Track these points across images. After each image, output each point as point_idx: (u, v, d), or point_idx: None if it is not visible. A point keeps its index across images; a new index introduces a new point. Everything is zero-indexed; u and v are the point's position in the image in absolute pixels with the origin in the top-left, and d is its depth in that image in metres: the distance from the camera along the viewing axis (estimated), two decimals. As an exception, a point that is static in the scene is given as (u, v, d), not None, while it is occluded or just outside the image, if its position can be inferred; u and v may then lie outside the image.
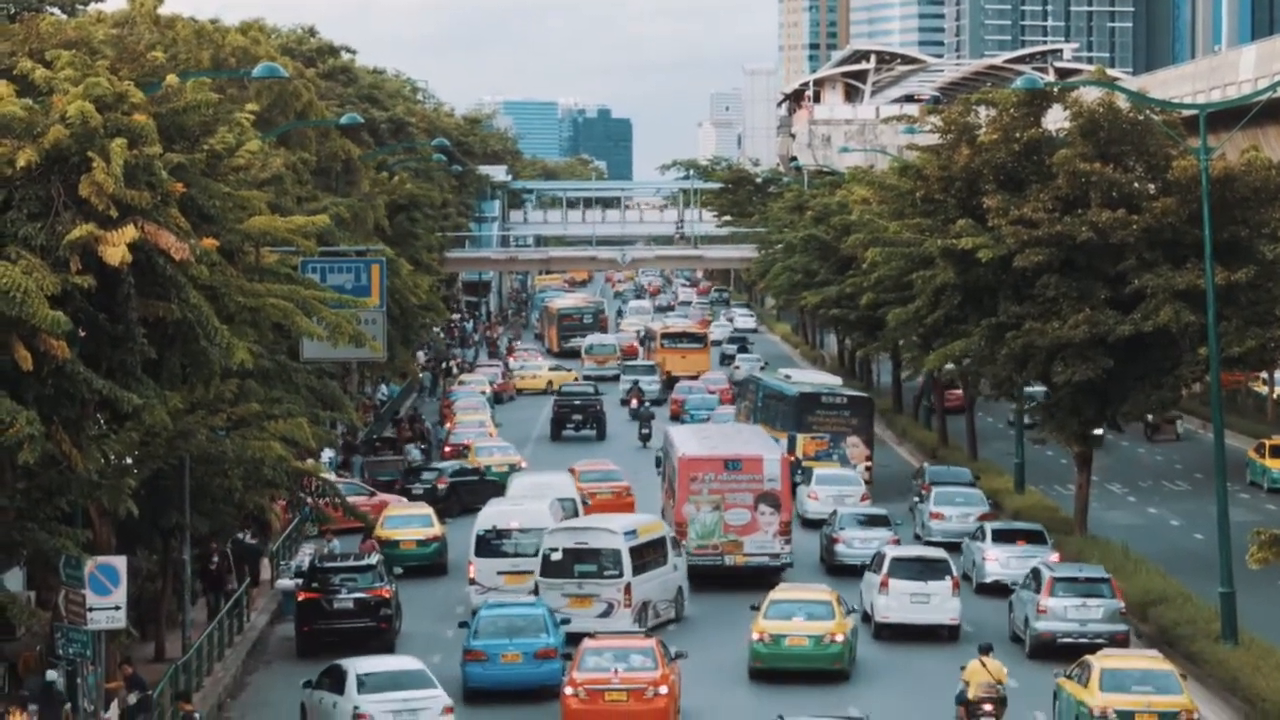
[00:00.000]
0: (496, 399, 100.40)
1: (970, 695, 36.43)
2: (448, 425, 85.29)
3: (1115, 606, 44.37)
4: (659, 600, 47.62)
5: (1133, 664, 37.20)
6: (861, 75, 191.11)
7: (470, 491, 65.04)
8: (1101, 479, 69.36)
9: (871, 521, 55.72)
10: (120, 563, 34.21)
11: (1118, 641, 43.14)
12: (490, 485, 65.14)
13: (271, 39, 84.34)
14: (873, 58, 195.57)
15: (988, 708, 36.21)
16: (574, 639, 40.71)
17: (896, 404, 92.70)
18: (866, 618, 46.07)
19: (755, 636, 42.16)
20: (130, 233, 30.40)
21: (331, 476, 58.11)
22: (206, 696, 39.98)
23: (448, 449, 77.66)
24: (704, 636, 46.43)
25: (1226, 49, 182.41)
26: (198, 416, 38.52)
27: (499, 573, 49.07)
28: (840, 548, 54.82)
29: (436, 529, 56.53)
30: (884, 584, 46.24)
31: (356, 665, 37.31)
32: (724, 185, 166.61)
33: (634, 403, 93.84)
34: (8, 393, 29.73)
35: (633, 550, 46.52)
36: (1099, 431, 72.89)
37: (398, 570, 51.36)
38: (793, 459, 63.54)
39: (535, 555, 48.33)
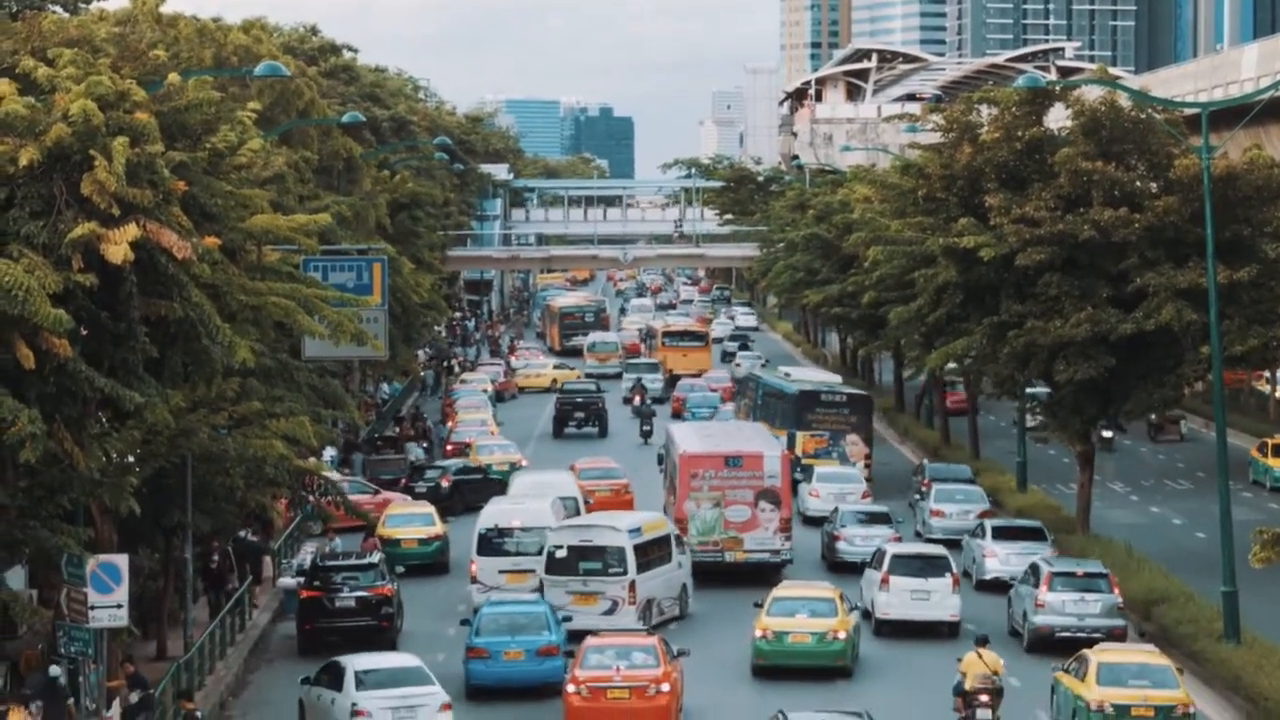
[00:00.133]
0: (498, 397, 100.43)
1: (967, 686, 36.77)
2: (449, 424, 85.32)
3: (1113, 601, 44.70)
4: (663, 598, 47.74)
5: (1129, 658, 37.39)
6: (863, 74, 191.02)
7: (473, 490, 65.06)
8: (1103, 478, 69.32)
9: (872, 519, 55.84)
10: (122, 561, 34.21)
11: (1115, 636, 43.42)
12: (493, 484, 65.18)
13: (273, 37, 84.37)
14: (874, 56, 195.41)
15: (984, 698, 36.51)
16: (577, 636, 40.74)
17: (898, 403, 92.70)
18: (867, 614, 46.15)
19: (758, 633, 42.29)
20: (132, 231, 30.40)
21: (335, 475, 58.15)
22: (208, 695, 39.99)
23: (449, 447, 77.71)
24: (707, 634, 46.49)
25: (1228, 48, 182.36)
26: (199, 415, 38.52)
27: (501, 571, 49.14)
28: (841, 545, 54.95)
29: (438, 528, 56.54)
30: (884, 581, 46.46)
31: (355, 662, 37.36)
32: (726, 184, 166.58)
33: (637, 400, 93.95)
34: (10, 391, 29.72)
35: (637, 548, 46.67)
36: (1109, 434, 73.48)
37: (399, 569, 51.36)
38: (791, 456, 63.61)
39: (537, 554, 48.49)
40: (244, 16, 79.53)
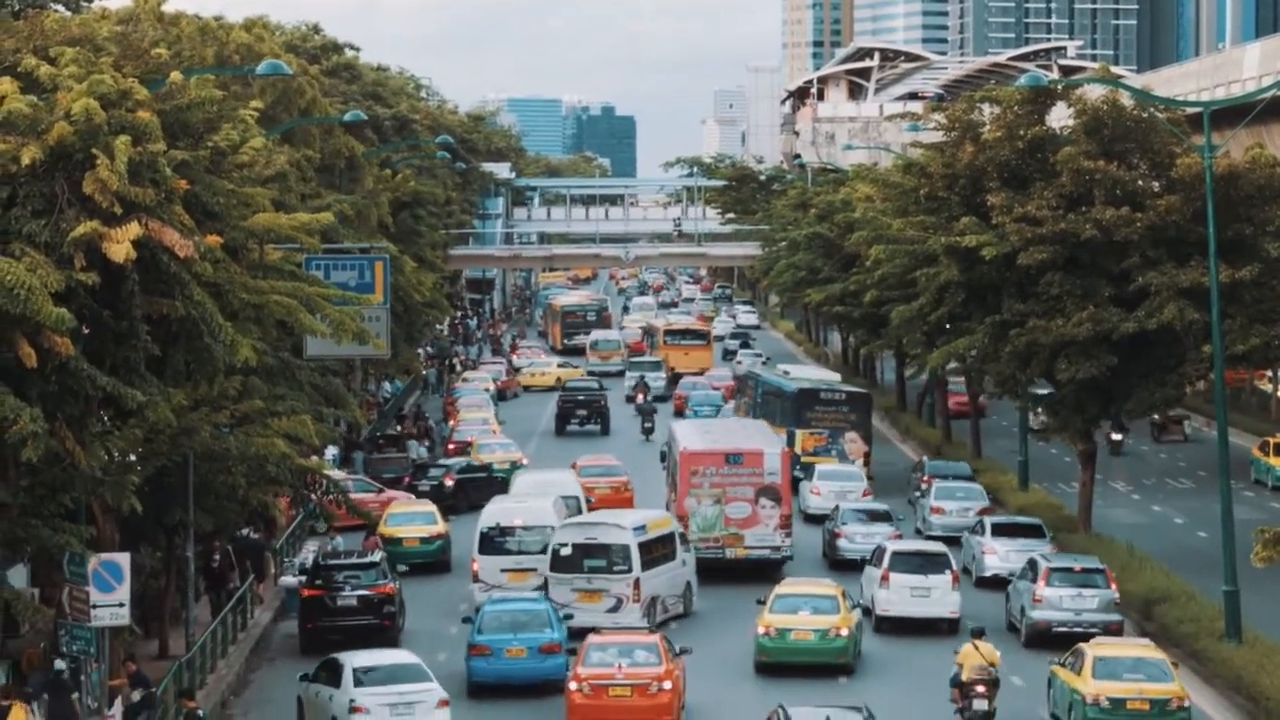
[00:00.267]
0: (500, 396, 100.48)
1: (964, 677, 37.26)
2: (451, 422, 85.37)
3: (1110, 597, 45.13)
4: (667, 595, 47.89)
5: (1125, 652, 37.86)
6: (865, 73, 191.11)
7: (477, 488, 65.10)
8: (1105, 477, 69.33)
9: (873, 517, 55.97)
10: (124, 560, 34.23)
11: (1111, 631, 43.84)
12: (497, 482, 65.24)
13: (275, 36, 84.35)
14: (876, 55, 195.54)
15: (980, 689, 36.99)
16: (581, 634, 40.81)
17: (900, 402, 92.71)
18: (867, 611, 46.27)
19: (761, 630, 42.47)
20: (134, 230, 30.39)
21: (339, 474, 58.13)
22: (210, 694, 40.01)
23: (451, 446, 77.74)
24: (710, 631, 46.61)
25: (1230, 46, 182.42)
26: (201, 413, 38.51)
27: (503, 570, 49.23)
28: (842, 542, 55.10)
29: (440, 526, 56.53)
30: (885, 578, 46.71)
31: (353, 659, 37.45)
32: (728, 182, 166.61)
33: (640, 398, 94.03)
34: (11, 389, 29.70)
35: (642, 546, 46.86)
36: (1119, 437, 73.72)
37: (402, 568, 51.34)
38: (791, 454, 63.70)
39: (539, 553, 48.69)
40: (246, 15, 79.55)
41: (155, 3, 61.68)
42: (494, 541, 49.77)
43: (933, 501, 60.58)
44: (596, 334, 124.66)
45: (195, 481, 40.69)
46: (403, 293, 76.36)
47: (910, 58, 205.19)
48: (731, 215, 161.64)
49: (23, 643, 37.57)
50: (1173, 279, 51.95)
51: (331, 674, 37.17)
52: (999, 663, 37.84)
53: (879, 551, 48.24)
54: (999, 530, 53.29)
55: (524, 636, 40.96)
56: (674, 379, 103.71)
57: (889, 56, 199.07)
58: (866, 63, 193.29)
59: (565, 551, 46.73)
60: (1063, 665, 37.93)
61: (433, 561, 55.61)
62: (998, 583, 50.17)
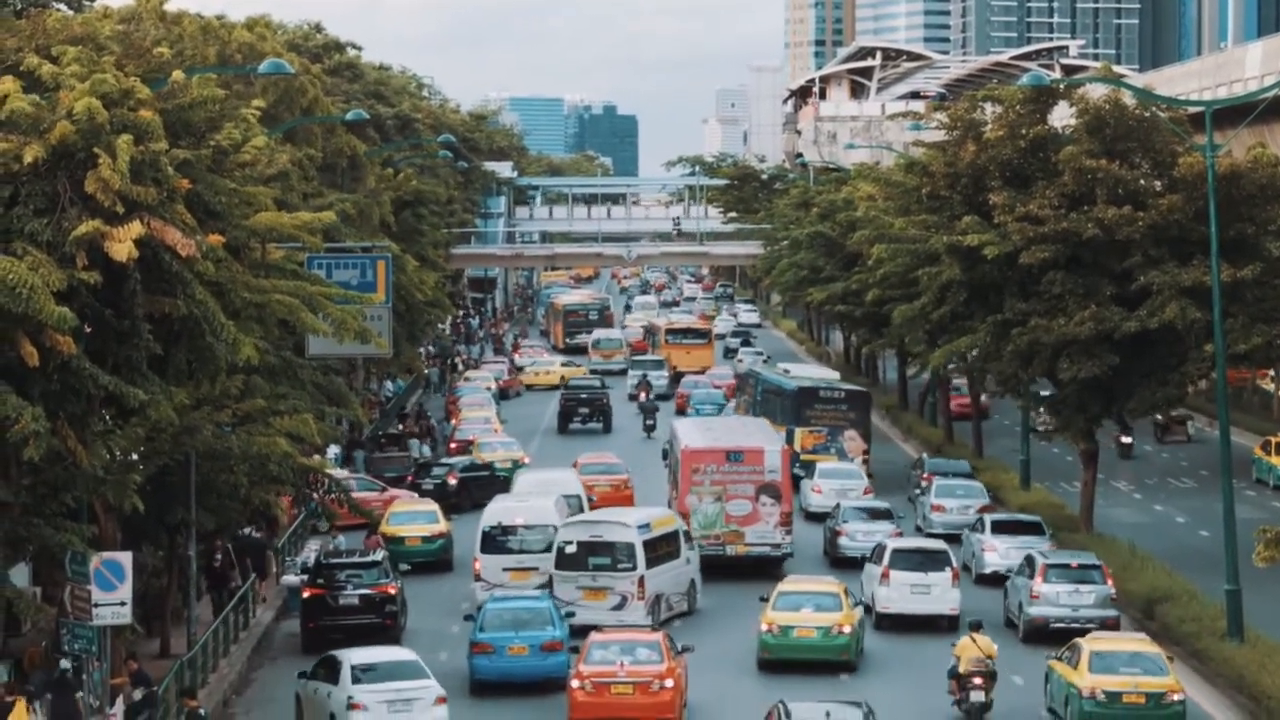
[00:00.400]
0: (502, 395, 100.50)
1: (961, 669, 37.87)
2: (453, 421, 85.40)
3: (1106, 592, 45.51)
4: (672, 593, 48.02)
5: (1121, 646, 38.28)
6: (867, 72, 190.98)
7: (480, 487, 65.12)
8: (1107, 476, 69.33)
9: (874, 515, 56.07)
10: (125, 558, 34.26)
11: (1108, 626, 44.10)
12: (500, 481, 65.28)
13: (277, 35, 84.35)
14: (878, 54, 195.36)
15: (978, 681, 37.59)
16: (583, 631, 40.89)
17: (902, 401, 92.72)
18: (868, 609, 46.39)
19: (764, 627, 42.62)
20: (136, 229, 30.39)
21: (343, 472, 58.14)
22: (211, 692, 40.02)
23: (453, 445, 77.77)
24: (713, 628, 46.75)
25: (1232, 46, 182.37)
26: (203, 412, 38.54)
27: (504, 569, 49.28)
28: (844, 540, 55.23)
29: (442, 525, 56.53)
30: (885, 575, 46.90)
31: (351, 656, 37.52)
32: (730, 182, 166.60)
33: (642, 396, 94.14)
34: (14, 388, 29.72)
35: (646, 544, 47.03)
36: (1128, 440, 73.83)
37: (403, 567, 51.34)
38: (790, 452, 63.82)
39: (540, 552, 48.82)
40: (248, 14, 79.57)
41: (157, 2, 61.67)
42: (496, 540, 49.84)
43: (933, 499, 60.82)
44: (599, 333, 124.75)
45: (197, 480, 40.70)
46: (405, 292, 76.39)
47: (912, 57, 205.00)
48: (733, 214, 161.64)
49: (24, 641, 37.60)
50: (1174, 278, 51.95)
51: (330, 671, 37.26)
52: (996, 655, 38.37)
53: (879, 549, 48.44)
54: (999, 528, 53.43)
55: (526, 634, 41.00)
56: (676, 378, 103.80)
57: (891, 56, 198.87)
58: (868, 62, 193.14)
59: (570, 549, 46.86)
60: (1060, 660, 38.30)
61: (434, 560, 55.61)
62: (998, 580, 50.29)
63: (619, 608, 45.97)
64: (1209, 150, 45.00)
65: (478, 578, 49.30)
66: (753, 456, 54.06)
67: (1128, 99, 53.76)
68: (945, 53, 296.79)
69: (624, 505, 60.01)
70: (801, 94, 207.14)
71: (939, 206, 57.82)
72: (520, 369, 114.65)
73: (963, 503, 60.03)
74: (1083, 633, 40.73)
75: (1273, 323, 52.54)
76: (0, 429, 29.91)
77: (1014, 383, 58.39)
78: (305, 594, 46.42)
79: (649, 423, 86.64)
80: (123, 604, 33.83)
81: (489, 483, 65.52)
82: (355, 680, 36.41)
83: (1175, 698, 36.52)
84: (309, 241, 41.91)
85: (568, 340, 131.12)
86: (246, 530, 50.66)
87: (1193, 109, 57.90)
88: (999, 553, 52.04)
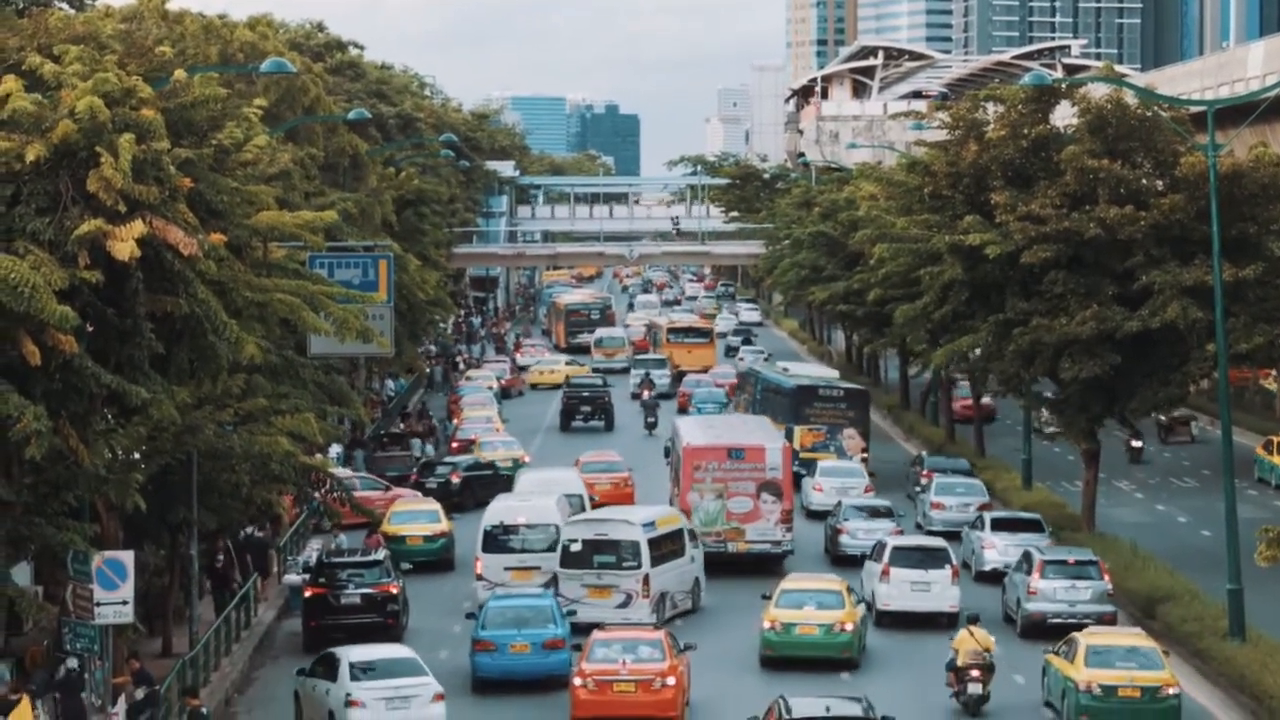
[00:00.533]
0: (504, 394, 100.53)
1: (959, 662, 38.40)
2: (455, 420, 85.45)
3: (1103, 588, 45.89)
4: (676, 591, 48.15)
5: (1117, 641, 38.58)
6: (869, 71, 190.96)
7: (484, 486, 65.15)
8: (1109, 476, 69.34)
9: (875, 513, 56.18)
10: (127, 558, 34.27)
11: (1105, 621, 44.30)
12: (503, 480, 65.33)
13: (279, 34, 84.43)
14: (880, 54, 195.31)
15: (975, 673, 38.11)
16: (589, 629, 40.98)
17: (904, 400, 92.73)
18: (868, 606, 46.46)
19: (767, 625, 42.76)
20: (138, 228, 30.40)
21: (346, 471, 58.12)
22: (213, 692, 40.02)
23: (455, 444, 77.80)
24: (715, 626, 46.87)
25: (1234, 45, 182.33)
26: (205, 411, 38.56)
27: (506, 568, 49.30)
28: (845, 538, 55.35)
29: (443, 524, 56.55)
30: (885, 572, 47.07)
31: (349, 653, 37.61)
32: (732, 181, 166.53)
33: (645, 395, 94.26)
34: (15, 387, 29.73)
35: (651, 542, 47.15)
36: (1139, 444, 73.87)
37: (405, 566, 51.37)
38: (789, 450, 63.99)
39: (542, 551, 48.94)
40: (250, 13, 79.66)
41: (159, 1, 61.73)
42: (497, 540, 49.88)
43: (933, 497, 61.09)
44: (602, 331, 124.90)
45: (199, 479, 40.71)
46: (406, 291, 76.42)
47: (914, 56, 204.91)
48: (735, 214, 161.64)
49: (26, 640, 37.60)
50: (1176, 278, 51.96)
51: (328, 668, 37.36)
52: (993, 648, 38.80)
53: (879, 546, 48.64)
54: (998, 525, 53.65)
55: (528, 632, 41.06)
56: (678, 376, 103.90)
57: (893, 55, 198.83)
58: (870, 61, 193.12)
59: (575, 547, 46.98)
60: (1056, 654, 38.69)
61: (436, 560, 55.62)
62: (997, 577, 50.44)
63: (624, 605, 46.10)
64: (1211, 150, 45.00)
65: (479, 577, 49.33)
66: (754, 454, 54.27)
67: (1130, 98, 53.76)
68: (947, 52, 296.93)
69: (625, 503, 60.24)
70: (803, 93, 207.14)
71: (941, 206, 57.82)
72: (524, 368, 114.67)
73: (962, 500, 60.27)
74: (1080, 628, 40.88)
75: (1274, 322, 52.52)
76: (2, 428, 29.93)
77: (1016, 382, 58.43)
78: (307, 593, 46.44)
79: (650, 420, 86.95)
80: (125, 603, 33.85)
81: (492, 482, 65.57)
82: (354, 677, 36.49)
83: (1170, 691, 36.86)
84: (311, 240, 41.94)
85: (570, 339, 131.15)
86: (249, 529, 50.66)
87: (1195, 108, 57.90)
88: (998, 550, 52.23)
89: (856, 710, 33.36)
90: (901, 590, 46.68)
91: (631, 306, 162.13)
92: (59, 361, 30.30)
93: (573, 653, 39.67)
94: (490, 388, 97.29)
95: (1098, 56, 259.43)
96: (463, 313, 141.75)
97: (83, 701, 34.09)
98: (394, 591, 45.98)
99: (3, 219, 30.79)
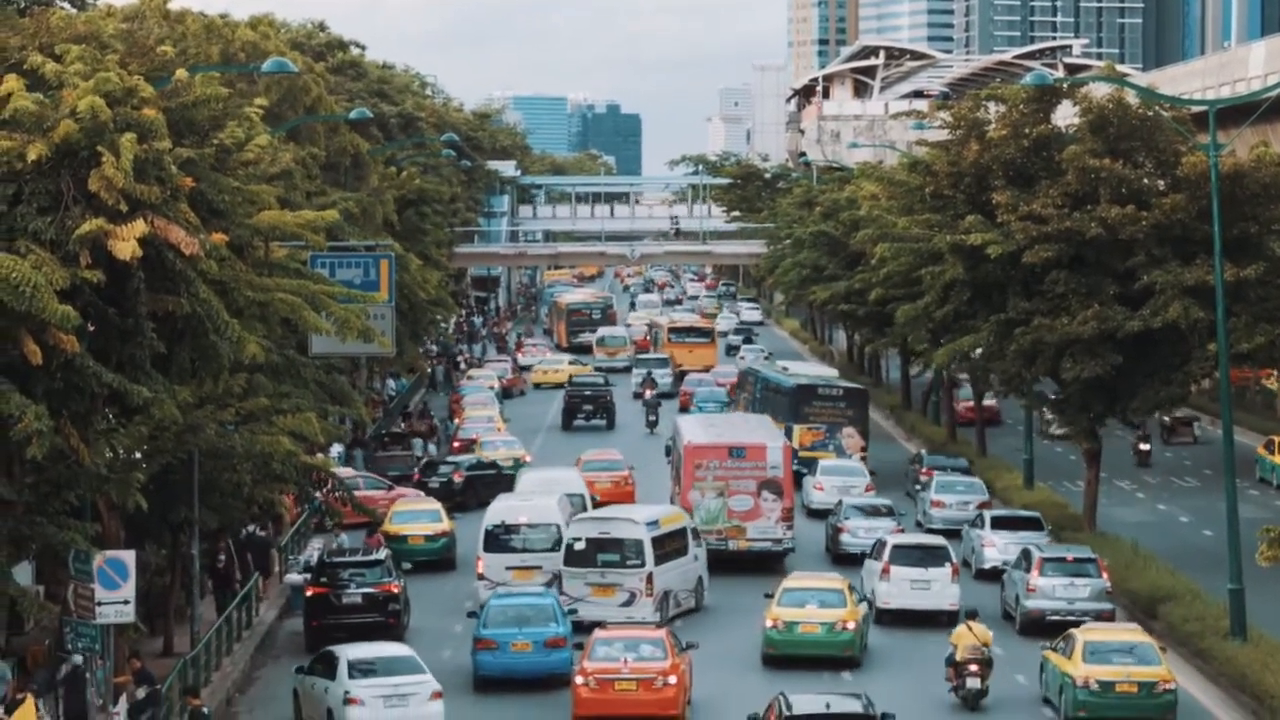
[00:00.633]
0: (506, 394, 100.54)
1: (958, 657, 38.73)
2: (457, 420, 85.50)
3: (1101, 586, 46.07)
4: (680, 590, 48.24)
5: (1115, 637, 38.91)
6: (871, 71, 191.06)
7: (486, 485, 65.16)
8: (1111, 476, 69.34)
9: (876, 512, 56.24)
10: (129, 557, 34.27)
11: (1103, 619, 44.57)
12: (506, 479, 65.32)
13: (281, 34, 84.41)
14: (882, 53, 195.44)
15: (974, 668, 38.46)
16: (591, 628, 41.03)
17: (905, 400, 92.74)
18: (869, 604, 46.47)
19: (769, 623, 42.84)
20: (140, 227, 30.40)
21: (349, 471, 58.10)
22: (215, 691, 40.02)
23: (456, 443, 77.82)
24: (717, 624, 46.98)
25: (1236, 45, 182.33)
26: (206, 411, 38.55)
27: (507, 568, 49.29)
28: (845, 537, 55.43)
29: (445, 524, 56.56)
30: (885, 571, 47.19)
31: (348, 651, 37.67)
32: (733, 181, 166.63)
33: (647, 394, 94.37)
34: (17, 387, 29.72)
35: (654, 540, 47.27)
36: (1147, 448, 73.93)
37: (406, 565, 51.38)
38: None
39: (543, 550, 48.99)
40: (251, 13, 79.65)
41: (161, 0, 61.71)
42: (499, 539, 49.90)
43: (933, 495, 61.23)
44: (603, 330, 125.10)
45: (200, 479, 40.72)
46: (408, 290, 76.42)
47: (915, 56, 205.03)
48: (737, 213, 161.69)
49: (27, 640, 37.62)
50: (1178, 277, 51.97)
51: (327, 666, 37.43)
52: (991, 643, 39.07)
53: (879, 545, 48.75)
54: (998, 523, 53.79)
55: (529, 631, 41.08)
56: (680, 376, 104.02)
57: (894, 55, 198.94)
58: (872, 61, 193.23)
59: (579, 546, 47.07)
60: (1054, 650, 38.92)
61: (437, 559, 55.64)
62: (997, 575, 50.53)
63: (628, 604, 46.21)
64: (1212, 149, 44.99)
65: (481, 576, 49.34)
66: (755, 453, 54.45)
67: (1131, 98, 53.76)
68: (948, 52, 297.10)
69: (625, 501, 60.30)
70: (805, 93, 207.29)
71: (942, 206, 57.83)
72: (526, 368, 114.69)
73: (962, 498, 60.41)
74: (1078, 625, 41.07)
75: (1276, 322, 52.51)
76: (3, 427, 29.92)
77: (1017, 382, 58.45)
78: (308, 592, 46.44)
79: (652, 418, 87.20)
80: (126, 602, 33.85)
81: (495, 481, 65.57)
82: (352, 675, 36.57)
83: (1167, 687, 37.15)
84: (312, 240, 41.90)
85: (571, 339, 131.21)
86: (250, 528, 50.67)
87: (1196, 108, 57.90)
88: (998, 548, 52.33)
89: (856, 707, 33.46)
90: (901, 588, 46.80)
91: (633, 306, 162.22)
92: (60, 361, 30.30)
93: (575, 651, 39.71)
94: (491, 387, 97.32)
95: (1099, 56, 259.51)
96: (464, 312, 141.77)
97: (86, 700, 34.09)
98: (395, 591, 46.00)
99: (4, 218, 30.79)
